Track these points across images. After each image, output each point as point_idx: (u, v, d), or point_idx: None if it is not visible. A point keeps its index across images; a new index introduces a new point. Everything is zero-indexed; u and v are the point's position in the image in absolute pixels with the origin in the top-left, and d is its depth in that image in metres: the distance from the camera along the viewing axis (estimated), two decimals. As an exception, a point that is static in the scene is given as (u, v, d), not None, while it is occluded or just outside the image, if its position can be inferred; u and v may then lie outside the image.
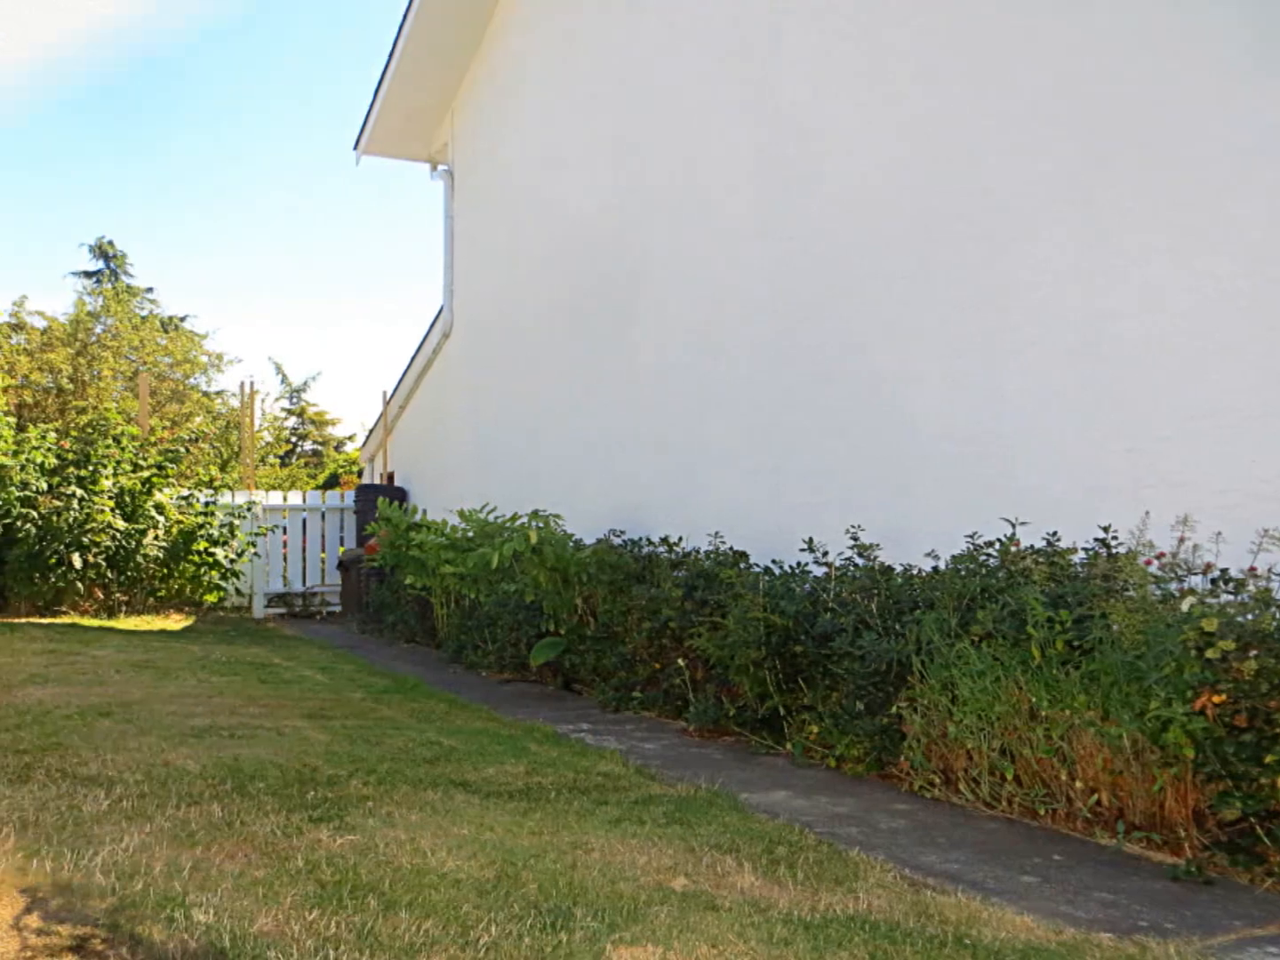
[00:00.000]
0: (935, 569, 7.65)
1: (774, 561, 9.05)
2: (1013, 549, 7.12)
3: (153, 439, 18.97)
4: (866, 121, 9.35)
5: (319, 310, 68.42)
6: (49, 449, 17.40)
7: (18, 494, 16.54)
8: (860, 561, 8.27)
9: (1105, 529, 6.72)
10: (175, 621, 16.85)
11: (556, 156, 14.75)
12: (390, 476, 20.39)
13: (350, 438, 41.67)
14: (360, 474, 24.85)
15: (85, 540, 16.53)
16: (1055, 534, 7.07)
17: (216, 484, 18.90)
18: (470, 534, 12.47)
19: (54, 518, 16.44)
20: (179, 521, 17.87)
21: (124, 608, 17.17)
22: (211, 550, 18.05)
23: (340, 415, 49.57)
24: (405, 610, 15.67)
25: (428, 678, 11.75)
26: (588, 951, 4.04)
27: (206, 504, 18.34)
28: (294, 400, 42.37)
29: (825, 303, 9.70)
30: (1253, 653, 5.28)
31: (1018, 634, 6.44)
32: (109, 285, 42.26)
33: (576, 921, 4.31)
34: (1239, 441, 6.46)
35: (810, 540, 8.58)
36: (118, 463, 17.45)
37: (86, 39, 63.93)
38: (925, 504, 8.57)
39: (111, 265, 46.05)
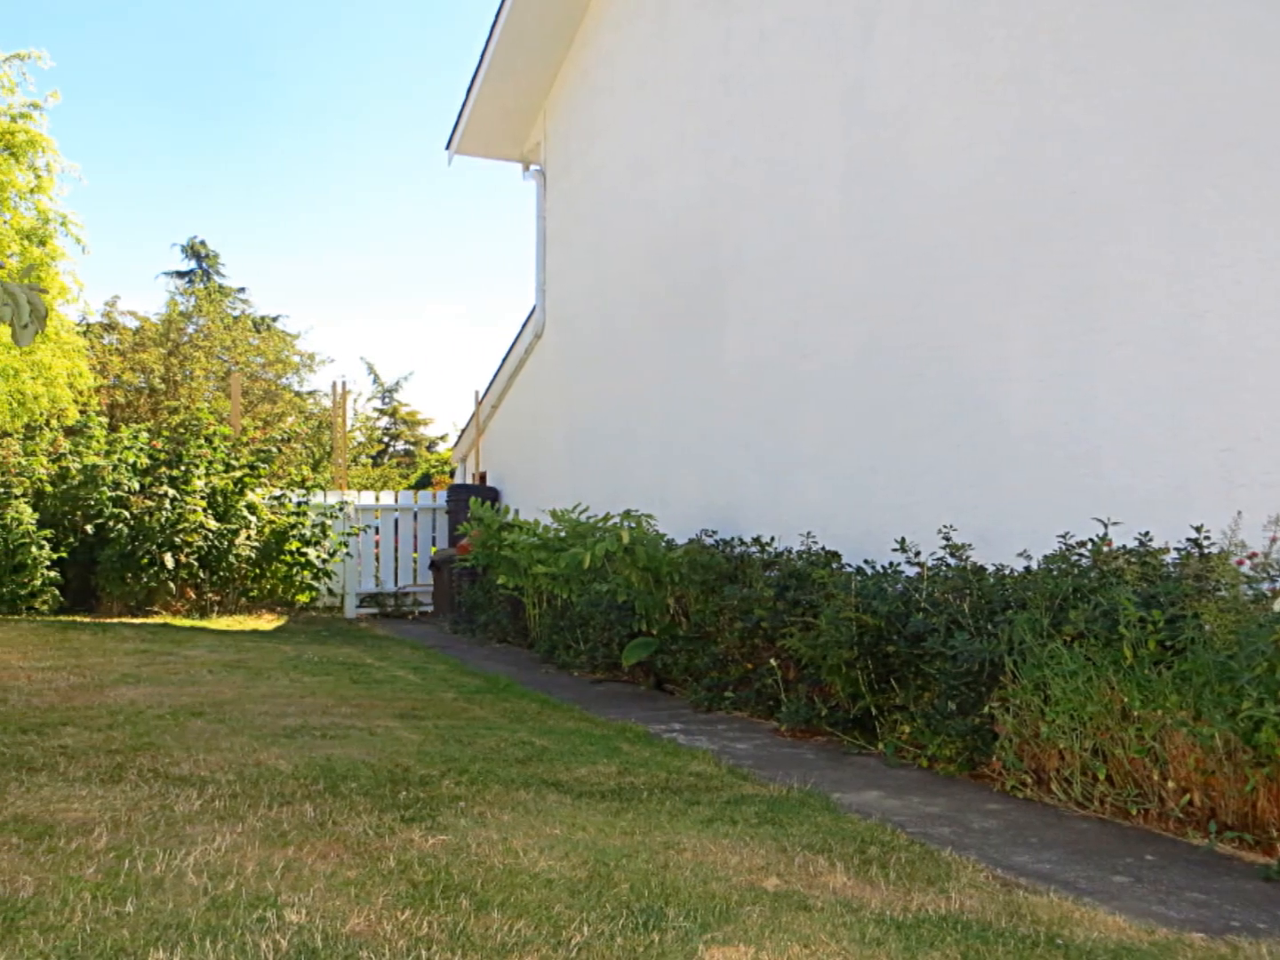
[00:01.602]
0: (1027, 569, 7.63)
1: (866, 561, 9.03)
2: (1105, 549, 7.08)
3: (245, 439, 19.10)
4: (958, 120, 9.30)
5: (411, 310, 69.08)
6: (141, 449, 17.57)
7: (110, 494, 16.70)
8: (952, 561, 8.25)
9: (1197, 529, 6.69)
10: (267, 621, 16.99)
11: (647, 155, 14.74)
12: (482, 476, 20.39)
13: (442, 438, 41.99)
14: (452, 474, 24.92)
15: (177, 540, 16.69)
16: (1147, 534, 7.04)
17: (309, 484, 18.98)
18: (562, 534, 12.53)
19: (146, 518, 16.62)
20: (271, 522, 18.00)
21: (216, 608, 17.31)
22: (304, 550, 18.14)
23: (432, 415, 50.06)
24: (497, 610, 15.68)
25: (520, 678, 11.79)
26: (680, 951, 4.06)
27: (299, 504, 18.41)
28: (386, 400, 42.77)
29: (916, 302, 9.67)
30: (1346, 653, 5.25)
31: (1110, 634, 6.42)
32: (201, 285, 42.81)
33: (669, 921, 4.34)
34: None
35: (903, 540, 8.56)
36: (210, 463, 17.60)
37: (176, 37, 64.62)
38: (1017, 504, 8.54)
39: (204, 265, 46.64)
